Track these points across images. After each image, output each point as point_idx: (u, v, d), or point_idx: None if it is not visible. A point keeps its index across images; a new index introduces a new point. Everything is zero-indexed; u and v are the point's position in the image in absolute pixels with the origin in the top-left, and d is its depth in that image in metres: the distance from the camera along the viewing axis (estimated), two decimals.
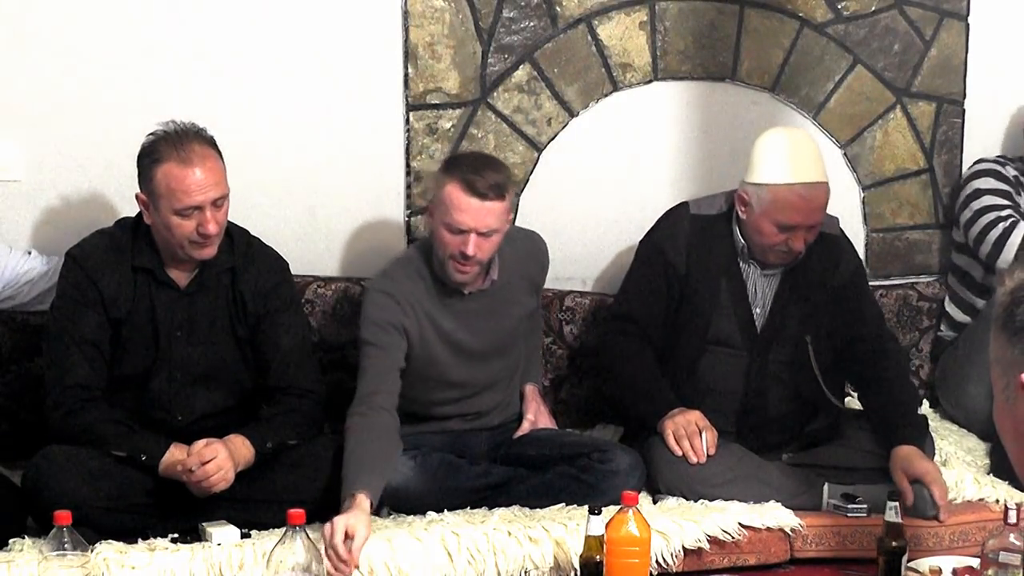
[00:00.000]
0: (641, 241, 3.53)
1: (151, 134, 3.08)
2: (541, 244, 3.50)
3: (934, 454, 3.35)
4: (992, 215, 3.79)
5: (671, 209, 3.54)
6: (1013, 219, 3.76)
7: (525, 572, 2.99)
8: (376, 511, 2.98)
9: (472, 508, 3.15)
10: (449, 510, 3.13)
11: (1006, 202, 3.83)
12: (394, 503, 3.13)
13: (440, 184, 3.19)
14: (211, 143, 3.08)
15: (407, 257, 3.35)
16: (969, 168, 3.97)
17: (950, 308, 4.02)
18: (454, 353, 3.29)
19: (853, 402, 3.64)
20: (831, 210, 3.54)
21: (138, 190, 3.08)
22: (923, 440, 3.31)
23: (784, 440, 3.44)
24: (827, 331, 3.42)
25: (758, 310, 3.41)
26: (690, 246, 3.40)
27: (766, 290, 3.42)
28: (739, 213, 3.36)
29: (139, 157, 3.08)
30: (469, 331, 3.29)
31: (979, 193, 3.86)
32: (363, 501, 2.86)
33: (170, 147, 3.03)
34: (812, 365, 3.39)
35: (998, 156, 3.97)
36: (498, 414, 3.43)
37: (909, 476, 3.18)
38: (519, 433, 3.42)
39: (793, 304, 3.40)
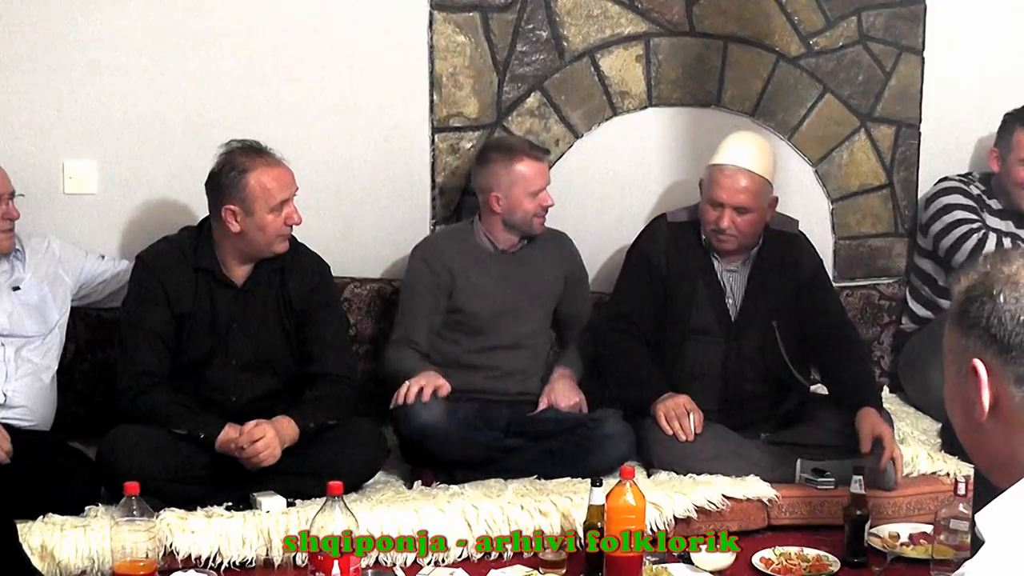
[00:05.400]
0: (628, 249, 3.56)
1: (222, 154, 3.11)
2: (564, 237, 3.64)
3: (892, 426, 3.34)
4: (965, 227, 3.74)
5: (652, 220, 3.59)
6: (984, 231, 3.73)
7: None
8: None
9: (485, 479, 3.19)
10: (463, 460, 3.20)
11: (975, 216, 3.78)
12: (421, 438, 3.19)
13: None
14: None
15: (457, 225, 3.56)
16: (936, 184, 3.92)
17: (912, 304, 3.99)
18: (483, 305, 3.42)
19: (821, 389, 3.61)
20: (804, 219, 3.57)
21: (226, 205, 3.07)
22: (881, 407, 3.35)
23: (761, 418, 3.45)
24: (793, 320, 3.43)
25: (731, 302, 3.43)
26: (668, 249, 3.44)
27: (737, 285, 3.44)
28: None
29: (220, 175, 3.09)
30: (501, 287, 3.43)
31: (950, 208, 3.81)
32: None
33: (251, 157, 3.09)
34: (780, 348, 3.40)
35: (961, 175, 3.93)
36: (519, 381, 3.47)
37: (874, 434, 3.20)
38: (536, 411, 3.44)
39: (761, 296, 3.42)
